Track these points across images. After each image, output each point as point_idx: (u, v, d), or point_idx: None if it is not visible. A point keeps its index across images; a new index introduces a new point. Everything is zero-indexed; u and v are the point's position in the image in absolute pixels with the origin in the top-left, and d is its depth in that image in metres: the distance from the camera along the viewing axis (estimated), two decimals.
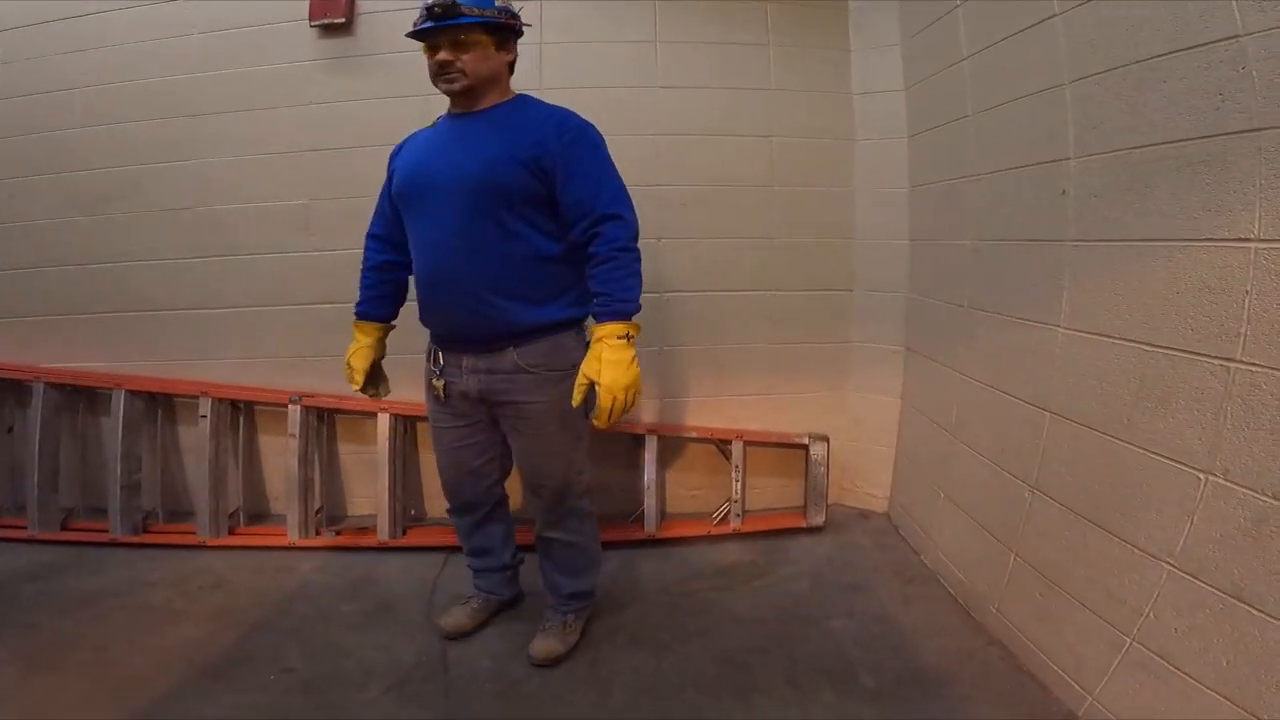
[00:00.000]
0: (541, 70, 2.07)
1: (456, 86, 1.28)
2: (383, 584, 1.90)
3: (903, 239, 2.16)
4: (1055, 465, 1.42)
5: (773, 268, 2.23)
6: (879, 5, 2.12)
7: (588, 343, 1.34)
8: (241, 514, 2.23)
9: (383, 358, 1.58)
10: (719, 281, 2.22)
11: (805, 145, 2.19)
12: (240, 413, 2.27)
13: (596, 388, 1.26)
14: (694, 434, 2.25)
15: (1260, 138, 0.93)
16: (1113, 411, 1.25)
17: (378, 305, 1.52)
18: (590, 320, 1.36)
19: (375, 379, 1.56)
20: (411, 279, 1.48)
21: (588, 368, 1.27)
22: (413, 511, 2.27)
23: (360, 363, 1.50)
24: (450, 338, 1.41)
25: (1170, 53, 1.05)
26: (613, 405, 1.24)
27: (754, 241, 2.21)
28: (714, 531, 2.18)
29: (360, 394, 1.55)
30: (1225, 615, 1.01)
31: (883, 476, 2.31)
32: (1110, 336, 1.25)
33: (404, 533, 2.15)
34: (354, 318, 1.54)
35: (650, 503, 2.15)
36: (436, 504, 2.16)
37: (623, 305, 1.27)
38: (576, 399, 1.29)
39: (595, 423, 1.30)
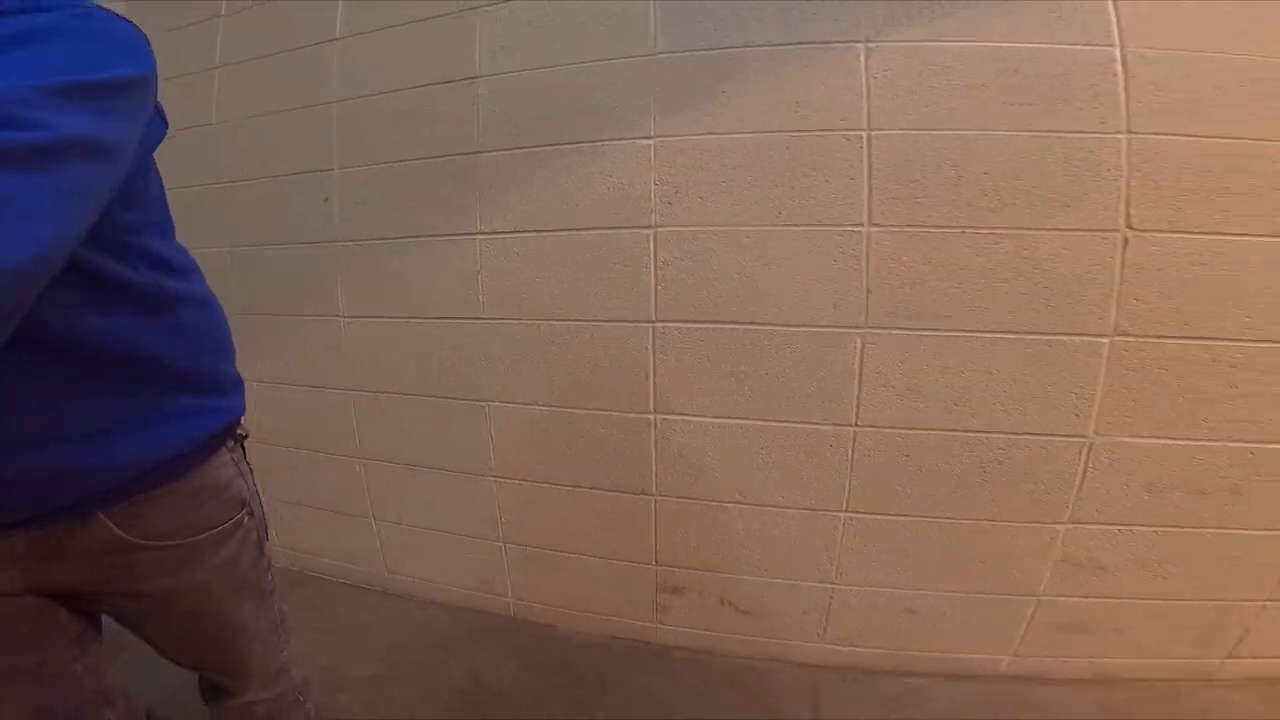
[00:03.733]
0: None
1: None
2: None
3: None
4: (372, 432, 1.59)
5: None
6: None
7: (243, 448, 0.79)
8: None
9: None
10: None
11: None
12: None
13: None
14: None
15: (480, 158, 1.32)
16: (403, 374, 1.50)
17: None
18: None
19: None
20: None
21: None
22: None
23: None
24: None
25: (425, 85, 1.35)
26: None
27: None
28: None
29: None
30: (552, 496, 1.44)
31: None
32: (387, 316, 1.46)
33: None
34: None
35: None
36: None
37: None
38: None
39: None
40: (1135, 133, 1.03)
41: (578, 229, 1.28)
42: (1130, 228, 1.05)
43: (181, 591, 0.72)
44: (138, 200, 0.59)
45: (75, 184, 0.43)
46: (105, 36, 0.49)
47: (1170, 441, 1.11)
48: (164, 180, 0.67)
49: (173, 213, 0.68)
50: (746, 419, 1.27)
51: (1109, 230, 1.05)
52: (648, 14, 1.21)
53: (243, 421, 0.76)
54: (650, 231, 1.24)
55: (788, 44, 1.16)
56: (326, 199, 1.49)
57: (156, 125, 0.58)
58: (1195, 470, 1.12)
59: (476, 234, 1.36)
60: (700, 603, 1.45)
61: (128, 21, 0.52)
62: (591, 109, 1.24)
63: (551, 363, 1.36)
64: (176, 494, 0.68)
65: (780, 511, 1.31)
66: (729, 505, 1.33)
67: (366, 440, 1.60)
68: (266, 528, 0.84)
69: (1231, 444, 1.09)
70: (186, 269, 0.68)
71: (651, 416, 1.32)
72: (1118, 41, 1.04)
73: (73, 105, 0.43)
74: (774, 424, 1.25)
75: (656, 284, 1.26)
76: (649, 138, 1.22)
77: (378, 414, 1.56)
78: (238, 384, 0.76)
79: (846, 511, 1.27)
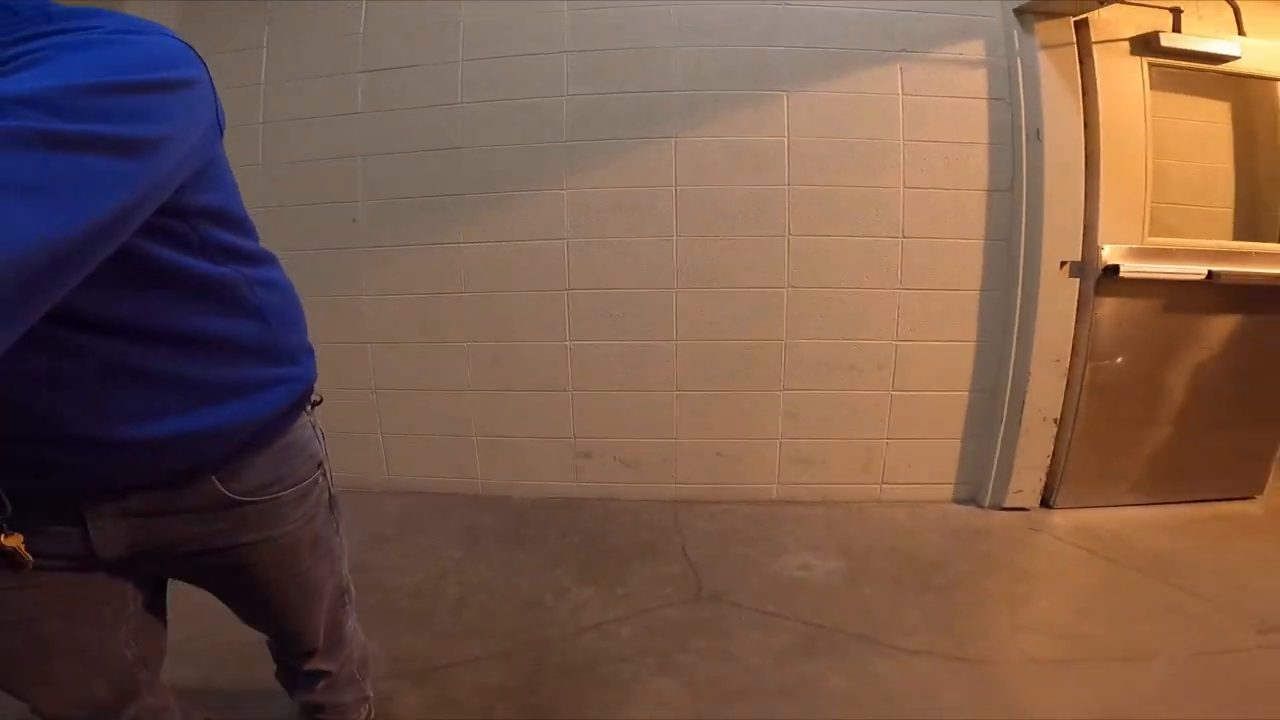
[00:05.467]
0: None
1: None
2: None
3: None
4: (385, 370, 2.44)
5: None
6: None
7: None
8: None
9: None
10: None
11: None
12: None
13: None
14: None
15: (463, 198, 2.27)
16: (408, 330, 2.37)
17: None
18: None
19: None
20: None
21: None
22: None
23: None
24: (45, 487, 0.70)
25: (425, 150, 2.27)
26: None
27: None
28: None
29: None
30: (506, 399, 2.37)
31: None
32: (401, 294, 2.35)
33: None
34: None
35: None
36: None
37: None
38: None
39: None
40: (792, 185, 2.17)
41: (523, 240, 2.26)
42: (790, 234, 2.18)
43: (267, 546, 0.80)
44: (217, 185, 0.65)
45: (97, 177, 0.43)
46: (141, 47, 0.51)
47: (819, 341, 2.25)
48: None
49: None
50: (620, 340, 2.29)
51: (780, 235, 2.19)
52: (561, 117, 2.21)
53: (315, 388, 0.88)
54: (564, 241, 2.25)
55: (637, 138, 2.20)
56: (353, 220, 2.36)
57: (213, 128, 0.62)
58: (832, 357, 2.27)
59: (461, 243, 2.29)
60: (601, 462, 2.44)
61: (171, 37, 0.55)
62: (531, 171, 2.23)
63: (508, 316, 2.32)
64: (270, 452, 0.78)
65: (642, 394, 2.34)
66: (614, 393, 2.34)
67: (379, 376, 2.45)
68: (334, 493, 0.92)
69: (847, 340, 2.25)
70: (260, 256, 0.75)
71: (567, 343, 2.31)
72: (786, 134, 2.16)
73: (102, 102, 0.45)
74: (634, 342, 2.29)
75: (568, 269, 2.26)
76: (563, 189, 2.23)
77: (388, 357, 2.43)
78: (309, 353, 0.88)
79: (676, 391, 2.32)
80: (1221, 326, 2.21)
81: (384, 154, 2.32)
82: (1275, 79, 2.24)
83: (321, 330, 2.46)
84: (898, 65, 2.17)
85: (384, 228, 2.34)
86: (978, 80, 2.17)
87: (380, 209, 2.34)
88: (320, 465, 0.88)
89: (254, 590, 0.86)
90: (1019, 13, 2.12)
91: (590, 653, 1.67)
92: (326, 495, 0.90)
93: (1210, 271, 2.09)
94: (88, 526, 0.71)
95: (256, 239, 0.77)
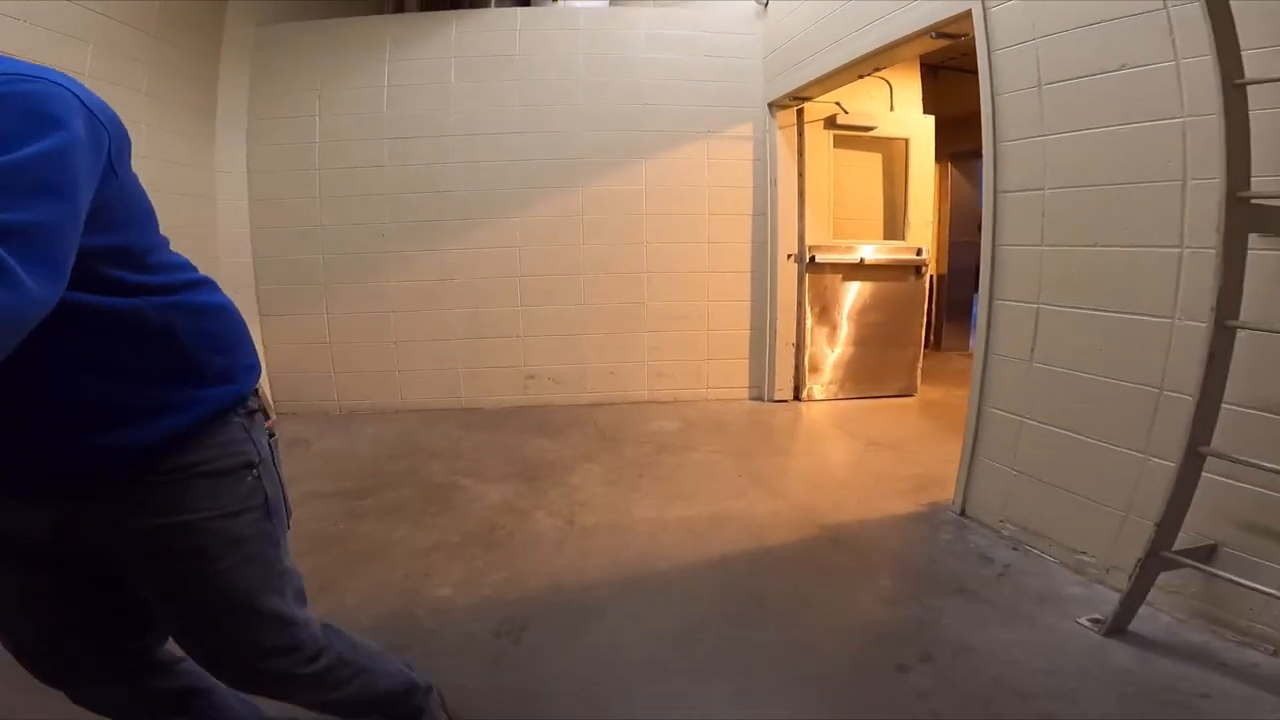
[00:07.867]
0: None
1: None
2: None
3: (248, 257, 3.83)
4: (402, 329, 3.90)
5: None
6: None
7: (271, 435, 0.91)
8: None
9: None
10: None
11: (181, 201, 3.48)
12: None
13: None
14: None
15: (453, 223, 3.79)
16: (414, 303, 3.86)
17: None
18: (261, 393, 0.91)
19: None
20: None
21: None
22: None
23: None
24: None
25: (428, 191, 3.76)
26: None
27: None
28: None
29: None
30: (477, 344, 3.85)
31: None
32: (413, 280, 3.83)
33: None
34: None
35: None
36: None
37: None
38: None
39: None
40: (647, 214, 3.90)
41: (491, 247, 3.82)
42: (646, 241, 3.92)
43: (173, 532, 0.78)
44: (115, 225, 0.68)
45: None
46: (22, 98, 0.54)
47: (665, 302, 4.00)
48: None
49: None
50: (551, 306, 3.92)
51: (642, 243, 3.92)
52: (514, 174, 3.78)
53: (263, 401, 0.89)
54: (517, 248, 3.85)
55: (560, 188, 3.83)
56: (382, 235, 3.79)
57: (107, 173, 0.63)
58: (673, 311, 4.02)
59: (452, 249, 3.80)
60: (540, 382, 4.04)
61: (55, 83, 0.58)
62: (494, 206, 3.79)
63: (482, 293, 3.86)
64: (183, 446, 0.79)
65: (566, 337, 3.98)
66: (548, 337, 3.96)
67: (398, 333, 3.89)
68: (283, 509, 0.90)
69: (680, 302, 4.01)
70: (174, 286, 0.78)
71: (519, 308, 3.91)
72: (644, 184, 3.87)
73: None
74: (560, 306, 3.93)
75: (520, 264, 3.85)
76: (515, 218, 3.82)
77: (402, 320, 3.88)
78: (248, 369, 0.87)
79: (585, 334, 3.98)
80: (875, 289, 4.17)
81: (402, 193, 3.78)
82: (903, 139, 4.18)
83: (361, 306, 3.93)
84: (706, 141, 3.93)
85: (402, 240, 3.80)
86: (748, 149, 3.97)
87: (400, 228, 3.80)
88: (251, 466, 0.85)
89: (173, 589, 0.82)
90: (770, 105, 3.91)
91: (551, 458, 3.30)
92: (260, 499, 0.86)
93: (862, 258, 4.03)
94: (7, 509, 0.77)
95: (177, 268, 0.80)
